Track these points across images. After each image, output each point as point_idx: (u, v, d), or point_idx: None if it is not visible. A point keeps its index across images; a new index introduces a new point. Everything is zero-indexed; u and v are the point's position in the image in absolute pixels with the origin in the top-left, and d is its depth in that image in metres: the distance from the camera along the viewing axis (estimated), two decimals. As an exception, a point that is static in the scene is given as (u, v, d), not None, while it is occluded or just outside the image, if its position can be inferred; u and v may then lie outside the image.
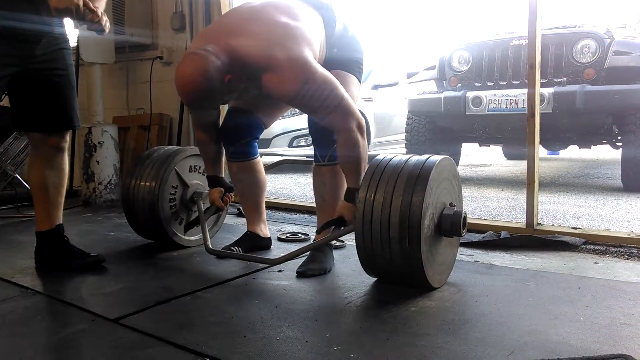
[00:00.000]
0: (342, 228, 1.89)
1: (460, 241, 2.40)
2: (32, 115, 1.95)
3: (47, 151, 2.01)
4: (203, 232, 2.22)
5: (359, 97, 2.20)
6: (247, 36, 1.78)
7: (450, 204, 1.81)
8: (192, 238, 2.46)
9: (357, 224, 1.73)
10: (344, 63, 2.07)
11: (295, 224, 2.97)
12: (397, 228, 1.64)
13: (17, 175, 3.53)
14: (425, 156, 1.77)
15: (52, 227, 2.06)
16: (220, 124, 2.23)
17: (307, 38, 1.82)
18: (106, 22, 1.81)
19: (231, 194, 2.30)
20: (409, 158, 1.78)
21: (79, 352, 1.39)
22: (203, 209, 2.34)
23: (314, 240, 2.40)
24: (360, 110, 1.88)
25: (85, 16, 1.73)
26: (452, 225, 1.74)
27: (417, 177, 1.67)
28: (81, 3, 1.69)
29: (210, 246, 2.16)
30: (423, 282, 1.70)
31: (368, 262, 1.77)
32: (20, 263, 2.17)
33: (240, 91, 1.84)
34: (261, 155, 2.40)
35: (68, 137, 2.06)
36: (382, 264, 1.73)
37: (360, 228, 1.71)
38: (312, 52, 1.80)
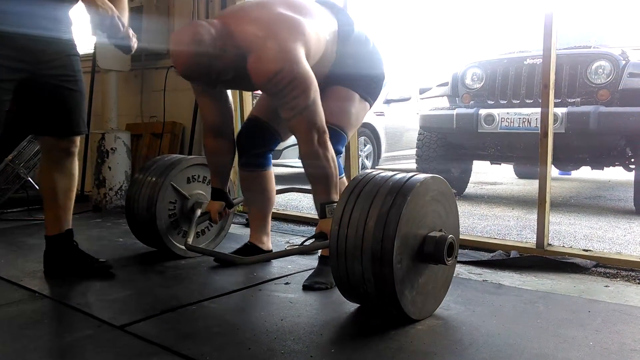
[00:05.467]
0: (321, 242, 1.86)
1: (470, 260, 2.39)
2: (41, 119, 1.97)
3: (58, 156, 2.03)
4: (189, 230, 2.23)
5: (363, 118, 2.16)
6: (244, 19, 1.80)
7: (440, 230, 1.65)
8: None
9: (331, 241, 1.59)
10: (354, 81, 2.05)
11: (303, 236, 2.97)
12: (369, 259, 1.48)
13: (29, 179, 3.56)
14: (405, 176, 1.59)
15: (61, 231, 2.07)
16: (236, 135, 2.23)
17: (304, 33, 1.79)
18: (135, 41, 1.83)
19: (230, 210, 2.30)
20: (392, 176, 1.60)
21: (84, 358, 1.39)
22: (199, 214, 2.34)
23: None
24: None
25: (118, 31, 1.75)
26: (435, 251, 1.57)
27: (393, 200, 1.50)
28: (116, 14, 1.72)
29: (190, 242, 2.15)
30: (399, 313, 1.56)
31: (345, 289, 1.64)
32: (29, 266, 2.18)
33: (233, 67, 1.80)
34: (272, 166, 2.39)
35: (78, 142, 2.07)
36: (359, 296, 1.61)
37: (335, 246, 1.57)
38: (304, 47, 1.77)
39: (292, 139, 5.55)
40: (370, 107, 2.19)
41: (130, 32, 1.82)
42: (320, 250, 2.39)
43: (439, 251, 1.57)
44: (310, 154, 1.82)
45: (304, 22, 1.81)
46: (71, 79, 1.97)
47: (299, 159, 6.32)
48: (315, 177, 1.86)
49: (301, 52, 1.76)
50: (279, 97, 1.78)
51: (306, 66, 1.76)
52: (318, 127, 1.80)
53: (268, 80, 1.74)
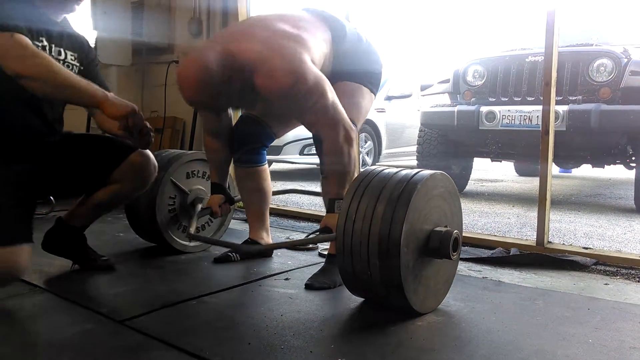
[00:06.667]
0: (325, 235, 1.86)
1: (470, 257, 2.39)
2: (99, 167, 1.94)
3: (134, 183, 1.97)
4: (191, 220, 2.28)
5: (370, 109, 2.18)
6: (245, 39, 1.80)
7: (445, 225, 1.67)
8: (192, 244, 2.43)
9: (338, 232, 1.61)
10: (355, 74, 2.06)
11: (303, 232, 2.97)
12: (376, 241, 1.50)
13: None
14: (413, 171, 1.63)
15: (77, 225, 2.04)
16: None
17: (307, 44, 1.81)
18: (152, 135, 1.79)
19: (232, 206, 2.31)
20: (397, 172, 1.64)
21: (84, 352, 1.39)
22: (199, 209, 2.36)
23: (321, 251, 2.40)
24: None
25: (137, 127, 1.70)
26: (440, 246, 1.59)
27: (404, 188, 1.53)
28: (138, 114, 1.68)
29: (193, 232, 2.21)
30: (401, 300, 1.57)
31: (348, 279, 1.66)
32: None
33: (239, 92, 1.81)
34: (271, 162, 2.40)
35: (153, 168, 1.99)
36: (363, 285, 1.63)
37: (341, 237, 1.59)
38: (310, 57, 1.79)
39: (291, 135, 5.55)
40: (374, 98, 2.21)
41: (147, 125, 1.75)
42: (321, 246, 2.40)
43: (445, 246, 1.59)
44: (335, 151, 1.82)
45: (304, 36, 1.84)
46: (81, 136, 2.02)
47: (299, 155, 6.28)
48: (333, 174, 1.87)
49: (309, 60, 1.78)
50: (299, 104, 1.79)
51: (316, 72, 1.78)
52: (344, 124, 1.82)
53: (289, 89, 1.73)
